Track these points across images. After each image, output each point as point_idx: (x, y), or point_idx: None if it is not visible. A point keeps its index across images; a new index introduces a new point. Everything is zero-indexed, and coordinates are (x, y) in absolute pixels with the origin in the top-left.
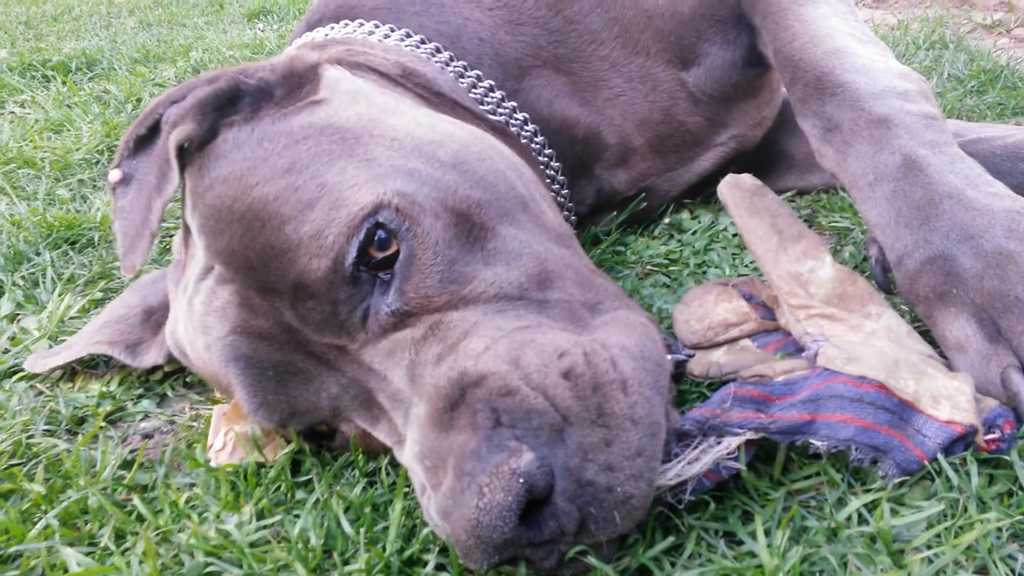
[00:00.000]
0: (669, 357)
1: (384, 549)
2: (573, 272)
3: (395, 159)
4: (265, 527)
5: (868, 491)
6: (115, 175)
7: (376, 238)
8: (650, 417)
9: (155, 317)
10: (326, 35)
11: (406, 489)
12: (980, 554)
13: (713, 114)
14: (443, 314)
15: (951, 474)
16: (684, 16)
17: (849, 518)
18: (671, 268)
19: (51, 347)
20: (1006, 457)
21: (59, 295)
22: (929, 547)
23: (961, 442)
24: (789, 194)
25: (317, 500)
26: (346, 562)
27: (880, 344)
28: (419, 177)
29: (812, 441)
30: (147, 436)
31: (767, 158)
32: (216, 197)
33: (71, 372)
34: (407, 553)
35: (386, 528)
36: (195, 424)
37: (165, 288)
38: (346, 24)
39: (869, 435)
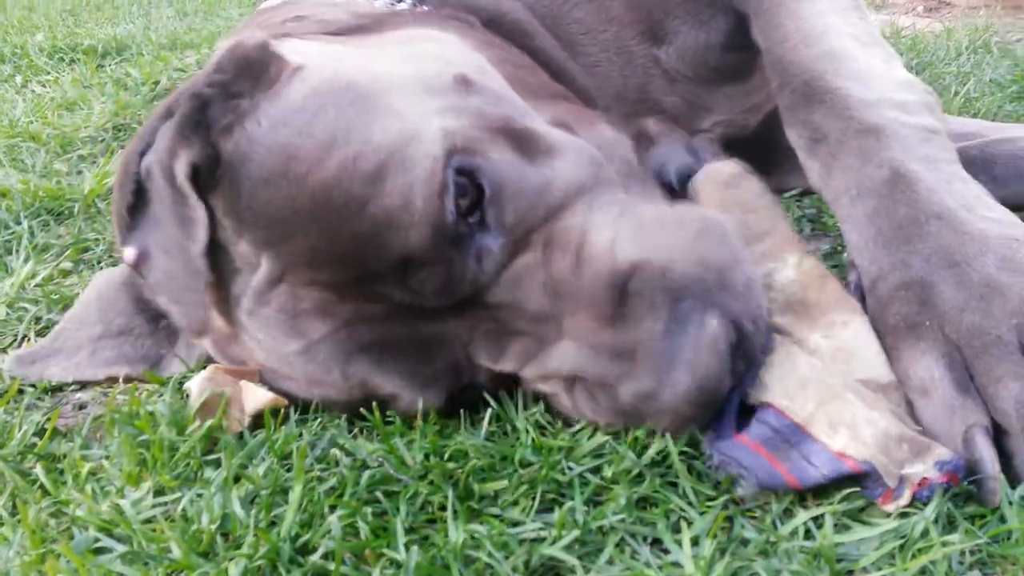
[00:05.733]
0: None
1: (279, 534)
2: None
3: (415, 104)
4: (164, 504)
5: (820, 504)
6: (131, 253)
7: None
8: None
9: (165, 323)
10: None
11: (311, 473)
12: None
13: (693, 96)
14: (547, 229)
15: None
16: None
17: (794, 532)
18: None
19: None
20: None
21: (24, 262)
22: (879, 568)
23: (872, 482)
24: (795, 192)
25: (227, 479)
26: (238, 545)
27: (802, 362)
28: (450, 112)
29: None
30: (81, 407)
31: (772, 152)
32: (267, 204)
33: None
34: (302, 540)
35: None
36: (125, 396)
37: None
38: None
39: (737, 448)
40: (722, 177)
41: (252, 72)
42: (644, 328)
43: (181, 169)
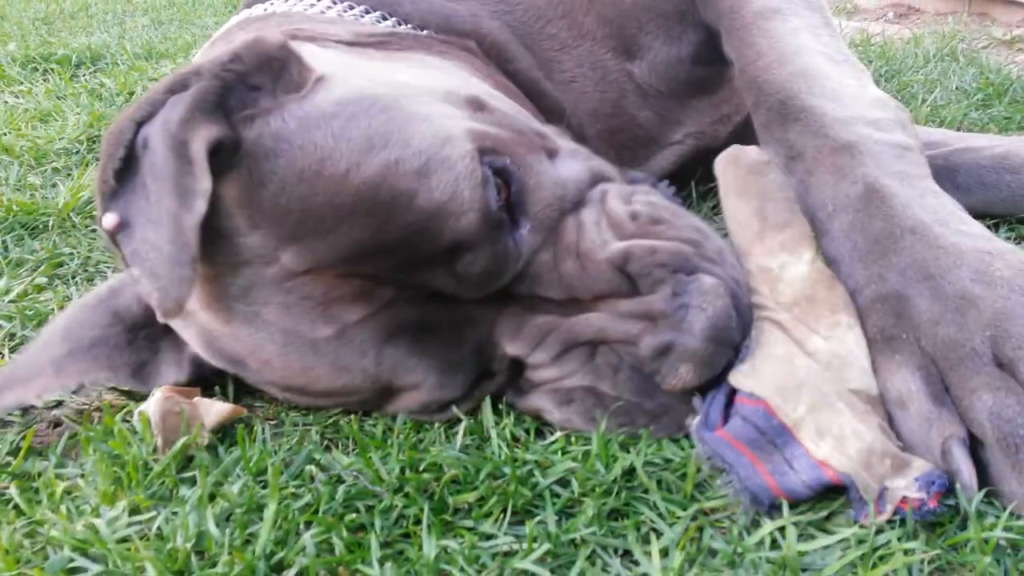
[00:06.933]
0: None
1: (254, 552)
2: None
3: (441, 109)
4: (139, 523)
5: (794, 513)
6: (110, 219)
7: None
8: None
9: (144, 333)
10: (265, 10)
11: (286, 489)
12: None
13: (665, 110)
14: (561, 226)
15: None
16: (624, 4)
17: (760, 542)
18: None
19: None
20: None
21: None
22: None
23: (852, 497)
24: None
25: (201, 497)
26: (213, 564)
27: (802, 363)
28: (472, 117)
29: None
30: (56, 424)
31: None
32: (300, 200)
33: None
34: (277, 557)
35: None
36: (99, 414)
37: (131, 302)
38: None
39: (720, 444)
40: (747, 162)
41: (272, 69)
42: (654, 297)
43: (200, 142)
